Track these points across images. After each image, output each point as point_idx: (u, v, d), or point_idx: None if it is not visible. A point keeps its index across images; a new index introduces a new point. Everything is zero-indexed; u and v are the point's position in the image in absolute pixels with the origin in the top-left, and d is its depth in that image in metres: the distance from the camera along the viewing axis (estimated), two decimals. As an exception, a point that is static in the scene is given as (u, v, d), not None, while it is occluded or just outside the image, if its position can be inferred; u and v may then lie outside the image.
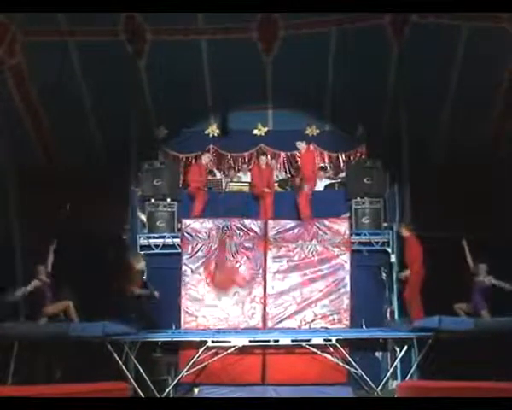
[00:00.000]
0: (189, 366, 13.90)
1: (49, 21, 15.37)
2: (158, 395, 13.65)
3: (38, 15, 14.59)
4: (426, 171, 16.20)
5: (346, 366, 14.21)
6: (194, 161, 18.49)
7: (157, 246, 15.89)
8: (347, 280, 15.53)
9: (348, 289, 15.50)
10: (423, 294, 14.40)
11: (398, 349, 14.58)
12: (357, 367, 14.07)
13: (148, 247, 15.90)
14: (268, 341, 14.20)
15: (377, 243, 15.91)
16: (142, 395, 13.35)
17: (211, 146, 18.57)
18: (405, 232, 14.78)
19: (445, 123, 17.36)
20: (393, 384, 14.43)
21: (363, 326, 15.29)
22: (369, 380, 14.01)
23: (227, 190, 17.41)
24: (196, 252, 15.70)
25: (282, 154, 19.02)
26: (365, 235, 15.98)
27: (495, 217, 15.75)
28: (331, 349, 14.06)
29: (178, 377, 14.16)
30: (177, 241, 15.88)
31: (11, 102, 16.00)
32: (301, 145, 16.80)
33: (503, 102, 16.36)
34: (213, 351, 13.99)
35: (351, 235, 15.88)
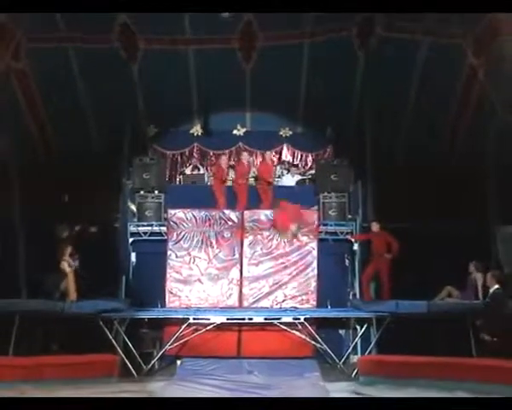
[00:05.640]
0: (172, 341, 14.06)
1: (51, 29, 15.31)
2: (144, 367, 13.79)
3: (41, 24, 14.57)
4: (387, 169, 16.25)
5: (313, 342, 14.34)
6: (179, 157, 18.59)
7: (145, 233, 15.92)
8: (315, 265, 15.63)
9: (315, 273, 15.58)
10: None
11: (358, 327, 14.61)
12: (323, 343, 14.26)
13: (138, 234, 15.94)
14: (243, 319, 14.29)
15: (342, 233, 16.01)
16: (131, 367, 13.43)
17: (195, 144, 18.62)
18: (375, 227, 15.17)
19: (406, 126, 17.43)
20: (354, 358, 14.50)
21: (329, 306, 15.37)
22: (332, 354, 14.24)
23: (209, 183, 17.39)
24: (180, 239, 15.75)
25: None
26: (332, 225, 16.06)
27: (451, 210, 15.89)
28: (299, 327, 14.16)
29: (162, 351, 14.26)
30: (164, 229, 15.90)
31: (15, 103, 15.90)
32: None
33: (457, 107, 16.48)
34: (194, 327, 14.09)
35: (319, 225, 15.96)
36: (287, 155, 18.73)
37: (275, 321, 14.19)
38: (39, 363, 12.25)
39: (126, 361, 13.51)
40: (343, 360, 14.33)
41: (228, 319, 14.19)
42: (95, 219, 16.40)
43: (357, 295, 15.55)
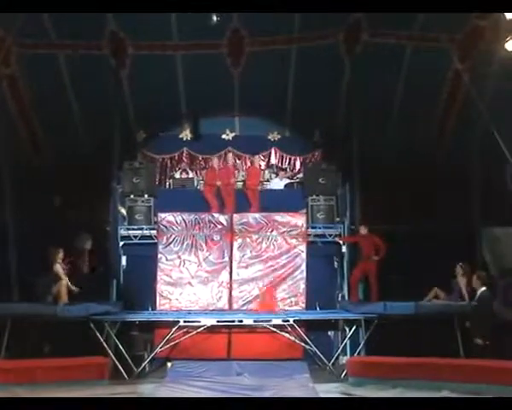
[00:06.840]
0: (163, 343, 13.97)
1: (41, 35, 15.24)
2: (135, 369, 13.67)
3: (32, 30, 14.46)
4: (373, 173, 16.22)
5: (302, 344, 14.25)
6: (169, 161, 18.52)
7: (136, 237, 15.89)
8: (303, 267, 15.64)
9: (304, 275, 15.59)
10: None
11: (347, 329, 14.67)
12: (312, 345, 14.18)
13: (128, 237, 15.91)
14: (233, 321, 14.21)
15: (330, 235, 16.04)
16: (122, 369, 13.33)
17: (184, 148, 18.55)
18: (363, 230, 15.08)
19: (393, 131, 17.42)
20: (343, 360, 14.49)
21: (318, 308, 15.37)
22: (322, 356, 14.16)
23: (198, 187, 17.34)
24: (171, 242, 15.70)
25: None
26: (320, 228, 16.06)
27: (437, 212, 15.89)
28: (289, 329, 14.08)
29: (153, 353, 14.16)
30: (154, 232, 15.88)
31: (5, 107, 15.78)
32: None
33: (443, 108, 16.52)
34: (185, 330, 13.99)
35: (307, 228, 15.95)
36: (275, 158, 18.67)
37: (264, 323, 14.15)
38: (31, 366, 12.14)
39: (117, 364, 13.41)
40: (332, 361, 14.31)
41: (218, 322, 14.12)
42: (85, 222, 16.27)
43: (346, 297, 15.53)
